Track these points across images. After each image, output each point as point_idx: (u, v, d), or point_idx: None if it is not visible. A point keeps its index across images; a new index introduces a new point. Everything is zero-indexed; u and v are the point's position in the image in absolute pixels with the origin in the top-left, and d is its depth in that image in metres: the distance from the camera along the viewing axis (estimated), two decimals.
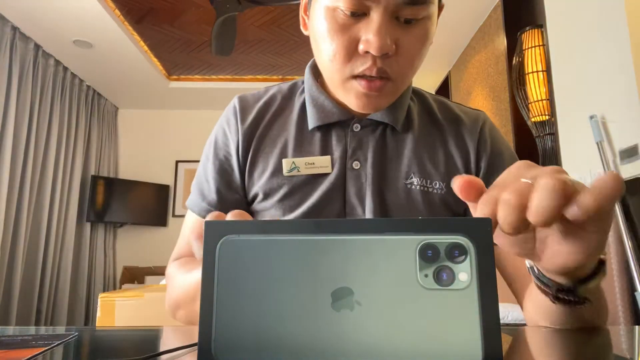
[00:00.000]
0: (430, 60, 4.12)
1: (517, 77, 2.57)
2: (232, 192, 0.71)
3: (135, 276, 4.61)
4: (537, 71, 2.47)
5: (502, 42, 3.06)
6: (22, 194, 3.50)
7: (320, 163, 0.68)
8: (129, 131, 5.23)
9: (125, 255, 4.94)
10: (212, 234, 0.30)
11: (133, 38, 3.72)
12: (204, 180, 0.73)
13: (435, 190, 0.68)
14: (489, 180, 0.66)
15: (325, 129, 0.71)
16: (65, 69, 4.10)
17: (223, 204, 0.71)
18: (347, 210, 0.67)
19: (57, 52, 3.85)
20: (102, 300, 2.74)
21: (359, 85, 0.60)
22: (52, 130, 3.89)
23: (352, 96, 0.63)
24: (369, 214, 0.66)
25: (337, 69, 0.61)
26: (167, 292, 0.69)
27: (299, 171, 0.68)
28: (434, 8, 0.61)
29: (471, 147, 0.71)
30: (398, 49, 0.59)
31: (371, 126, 0.70)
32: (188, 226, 0.74)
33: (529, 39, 2.52)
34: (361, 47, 0.58)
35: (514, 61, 2.63)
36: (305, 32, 0.70)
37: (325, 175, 0.68)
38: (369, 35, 0.57)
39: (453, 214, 0.69)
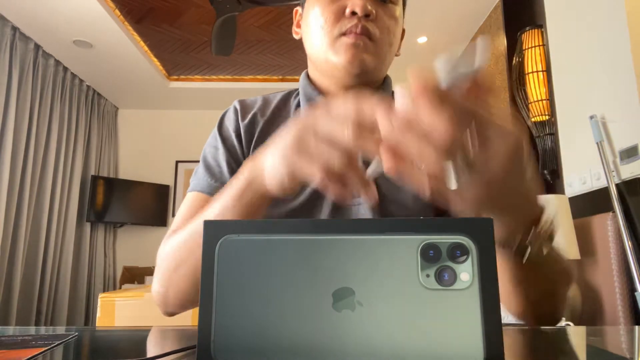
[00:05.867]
0: (430, 60, 4.11)
1: (517, 77, 2.57)
2: None
3: (135, 276, 4.61)
4: (537, 71, 2.46)
5: (502, 42, 3.06)
6: (22, 194, 3.50)
7: None
8: (129, 131, 5.22)
9: (125, 255, 4.94)
10: (211, 233, 0.30)
11: (133, 38, 3.71)
12: (214, 165, 0.76)
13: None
14: None
15: None
16: (65, 69, 4.10)
17: None
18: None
19: (57, 52, 3.85)
20: (102, 300, 2.73)
21: (347, 38, 0.70)
22: (52, 130, 3.88)
23: (341, 51, 0.71)
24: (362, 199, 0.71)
25: (327, 31, 0.72)
26: (158, 267, 0.65)
27: None
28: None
29: None
30: (377, 18, 0.72)
31: None
32: (190, 205, 0.74)
33: (529, 39, 2.52)
34: (347, 10, 0.70)
35: (514, 61, 2.63)
36: (296, 37, 0.82)
37: None
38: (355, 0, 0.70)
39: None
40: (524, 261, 0.47)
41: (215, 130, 0.80)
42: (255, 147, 0.76)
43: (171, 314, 0.67)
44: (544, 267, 0.51)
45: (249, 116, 0.79)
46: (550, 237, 0.48)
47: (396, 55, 0.79)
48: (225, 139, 0.78)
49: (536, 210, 0.47)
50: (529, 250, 0.47)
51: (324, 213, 0.71)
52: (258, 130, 0.77)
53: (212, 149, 0.78)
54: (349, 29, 0.70)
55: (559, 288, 0.59)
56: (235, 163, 0.76)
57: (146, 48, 3.97)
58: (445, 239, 0.29)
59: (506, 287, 0.55)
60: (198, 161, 0.80)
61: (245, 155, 0.76)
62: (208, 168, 0.76)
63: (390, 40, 0.74)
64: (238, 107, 0.80)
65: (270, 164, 0.49)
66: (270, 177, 0.50)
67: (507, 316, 2.07)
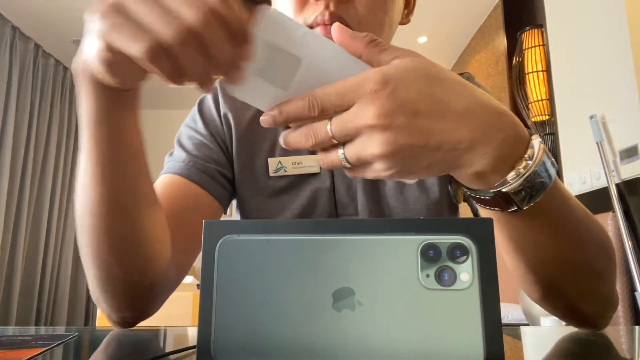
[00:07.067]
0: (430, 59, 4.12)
1: (517, 77, 2.57)
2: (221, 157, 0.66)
3: None
4: (537, 71, 2.46)
5: (502, 42, 3.06)
6: (22, 194, 3.50)
7: (308, 162, 0.64)
8: None
9: None
10: (211, 233, 0.30)
11: None
12: (191, 148, 0.65)
13: None
14: None
15: None
16: (65, 69, 4.10)
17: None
18: (339, 211, 0.64)
19: (57, 52, 3.85)
20: None
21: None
22: (52, 130, 3.88)
23: None
24: (362, 211, 0.63)
25: None
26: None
27: (285, 171, 0.64)
28: None
29: None
30: None
31: None
32: (164, 188, 0.62)
33: (529, 38, 2.52)
34: None
35: (514, 61, 2.63)
36: None
37: (313, 175, 0.64)
38: None
39: (448, 189, 0.65)
40: (514, 208, 0.37)
41: (194, 111, 0.69)
42: (240, 141, 0.65)
43: (123, 320, 0.52)
44: (557, 226, 0.42)
45: (231, 103, 0.68)
46: (536, 180, 0.37)
47: (403, 23, 0.64)
48: (207, 122, 0.67)
49: (501, 135, 0.34)
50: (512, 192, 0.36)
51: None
52: (245, 123, 0.67)
53: (189, 130, 0.67)
54: (315, 20, 0.53)
55: (597, 264, 0.46)
56: (220, 145, 0.66)
57: None
58: (445, 239, 0.29)
59: (517, 265, 0.45)
60: None
61: (227, 143, 0.66)
62: (183, 147, 0.64)
63: (381, 19, 0.56)
64: (219, 89, 0.70)
65: (87, 43, 0.36)
66: (89, 59, 0.36)
67: (507, 316, 2.06)
